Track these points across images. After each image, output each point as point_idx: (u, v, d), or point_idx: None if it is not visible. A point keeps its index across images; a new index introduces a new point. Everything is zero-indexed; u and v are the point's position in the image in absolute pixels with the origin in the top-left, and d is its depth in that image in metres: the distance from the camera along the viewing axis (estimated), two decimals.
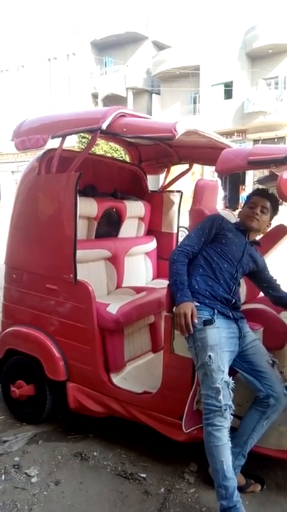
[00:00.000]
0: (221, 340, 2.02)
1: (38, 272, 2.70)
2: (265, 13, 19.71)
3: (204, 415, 2.00)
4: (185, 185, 4.17)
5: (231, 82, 20.64)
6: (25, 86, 26.64)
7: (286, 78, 19.78)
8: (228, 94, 20.95)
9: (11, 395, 2.83)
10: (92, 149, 2.70)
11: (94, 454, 2.50)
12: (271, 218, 2.32)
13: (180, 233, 3.61)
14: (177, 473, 2.35)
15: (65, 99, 24.58)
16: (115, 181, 3.39)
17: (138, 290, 3.02)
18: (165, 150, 3.31)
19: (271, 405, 2.07)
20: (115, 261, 3.10)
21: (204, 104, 21.51)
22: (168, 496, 2.18)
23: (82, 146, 10.41)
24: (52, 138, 2.46)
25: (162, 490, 2.23)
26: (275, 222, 2.53)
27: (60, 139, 2.51)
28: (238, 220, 2.38)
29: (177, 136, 2.09)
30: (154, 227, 3.55)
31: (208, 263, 2.16)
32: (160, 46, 24.51)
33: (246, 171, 16.97)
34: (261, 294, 2.54)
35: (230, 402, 1.96)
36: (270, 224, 2.37)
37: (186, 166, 3.49)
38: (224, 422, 1.95)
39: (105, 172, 3.35)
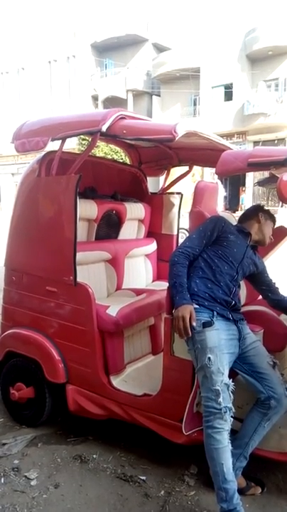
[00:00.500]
0: (220, 342, 2.02)
1: (38, 274, 2.70)
2: (265, 15, 19.72)
3: (204, 417, 2.00)
4: (185, 187, 4.18)
5: (232, 84, 20.66)
6: (25, 88, 26.73)
7: (286, 80, 19.81)
8: (228, 96, 20.97)
9: (11, 398, 2.82)
10: (92, 151, 2.70)
11: (94, 456, 2.50)
12: None
13: (180, 235, 3.61)
14: (177, 475, 2.34)
15: (65, 102, 24.62)
16: (115, 183, 3.40)
17: (138, 292, 3.02)
18: (165, 152, 3.32)
19: (272, 407, 2.07)
20: (115, 263, 3.10)
21: (204, 106, 21.53)
22: (168, 499, 2.17)
23: (82, 148, 10.43)
24: (52, 140, 2.46)
25: (162, 492, 2.22)
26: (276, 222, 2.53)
27: (60, 141, 2.51)
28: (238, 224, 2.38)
29: (177, 138, 2.09)
30: (154, 229, 3.55)
31: (208, 265, 2.16)
32: (160, 48, 24.55)
33: (247, 173, 16.97)
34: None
35: (230, 405, 1.96)
36: None
37: (186, 168, 3.50)
38: (224, 425, 1.94)
39: (105, 174, 3.35)
